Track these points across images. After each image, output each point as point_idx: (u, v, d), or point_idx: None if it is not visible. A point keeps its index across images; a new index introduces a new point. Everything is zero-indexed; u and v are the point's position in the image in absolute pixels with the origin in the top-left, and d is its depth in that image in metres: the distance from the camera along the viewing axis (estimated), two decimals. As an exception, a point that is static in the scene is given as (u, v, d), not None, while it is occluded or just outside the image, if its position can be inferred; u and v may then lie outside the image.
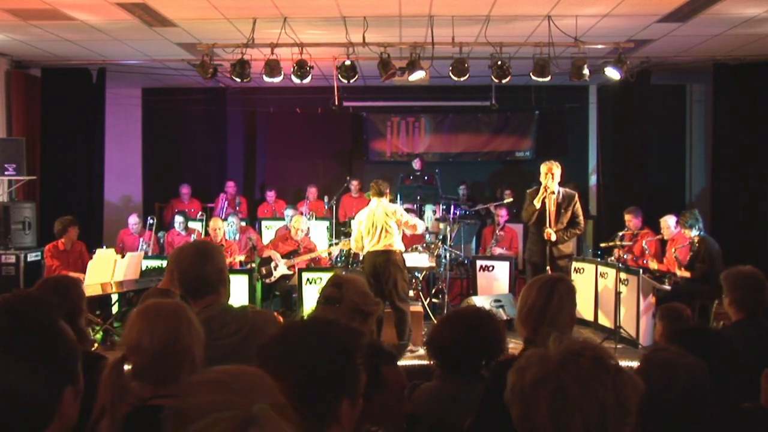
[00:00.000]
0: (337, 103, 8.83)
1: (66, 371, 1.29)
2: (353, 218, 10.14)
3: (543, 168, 7.15)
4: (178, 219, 9.54)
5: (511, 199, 9.96)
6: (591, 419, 1.34)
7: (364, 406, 1.69)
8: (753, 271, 3.75)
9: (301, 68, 7.65)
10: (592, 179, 12.08)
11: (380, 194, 7.03)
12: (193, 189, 11.41)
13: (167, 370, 2.03)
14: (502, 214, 9.68)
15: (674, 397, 2.10)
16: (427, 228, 8.56)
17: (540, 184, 7.17)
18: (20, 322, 1.29)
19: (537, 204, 7.08)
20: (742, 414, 2.48)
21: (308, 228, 8.92)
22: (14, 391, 1.21)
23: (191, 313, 2.17)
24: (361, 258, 8.69)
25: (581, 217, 7.26)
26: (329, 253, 8.87)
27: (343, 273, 2.96)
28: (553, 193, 7.11)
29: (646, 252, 8.09)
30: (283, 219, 9.66)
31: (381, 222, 6.90)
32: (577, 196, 7.28)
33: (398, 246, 6.99)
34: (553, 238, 7.03)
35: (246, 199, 11.66)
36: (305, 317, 1.91)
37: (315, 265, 8.46)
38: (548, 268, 7.01)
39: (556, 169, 7.10)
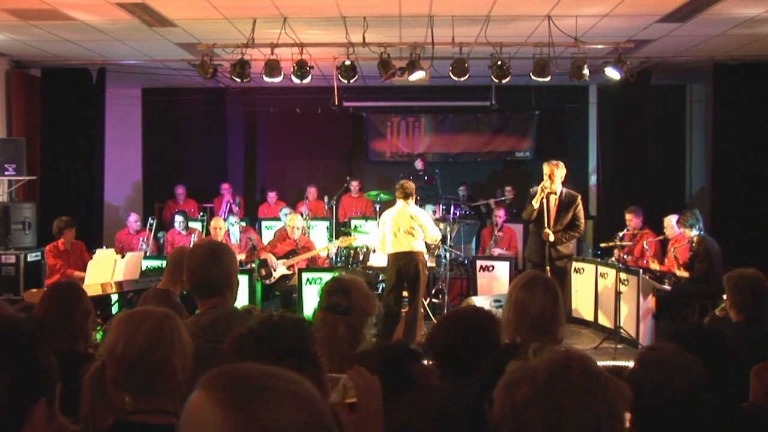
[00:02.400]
0: (337, 103, 8.82)
1: (37, 384, 1.25)
2: (353, 218, 10.23)
3: (545, 168, 7.14)
4: (179, 218, 9.54)
5: (512, 196, 9.95)
6: None
7: (395, 405, 1.67)
8: (755, 274, 3.75)
9: (301, 68, 7.65)
10: (592, 179, 12.08)
11: (406, 196, 7.10)
12: (192, 189, 11.41)
13: (143, 380, 1.96)
14: (500, 215, 9.67)
15: (669, 396, 2.10)
16: (442, 237, 8.49)
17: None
18: None
19: (535, 204, 7.07)
20: (741, 414, 2.48)
21: (304, 226, 8.90)
22: None
23: (180, 324, 2.10)
24: (360, 258, 8.75)
25: (581, 221, 7.22)
26: (327, 251, 8.87)
27: (344, 276, 2.93)
28: (554, 193, 7.09)
29: (647, 252, 8.08)
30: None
31: (406, 223, 6.95)
32: (579, 198, 7.24)
33: (421, 248, 7.06)
34: (551, 238, 7.02)
35: (243, 199, 11.67)
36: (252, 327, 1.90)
37: (314, 265, 8.45)
38: (548, 268, 7.01)
39: (557, 170, 7.05)
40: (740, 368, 2.64)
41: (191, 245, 7.74)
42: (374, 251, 8.15)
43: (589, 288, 8.10)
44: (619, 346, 7.06)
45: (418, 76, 7.84)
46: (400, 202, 7.12)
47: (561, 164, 7.13)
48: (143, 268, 8.03)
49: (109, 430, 1.89)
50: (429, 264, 8.32)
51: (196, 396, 1.04)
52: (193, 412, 1.04)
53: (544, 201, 7.04)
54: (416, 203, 7.54)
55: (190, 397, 1.05)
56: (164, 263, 5.48)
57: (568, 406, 1.32)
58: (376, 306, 2.77)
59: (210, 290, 2.77)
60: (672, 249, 7.86)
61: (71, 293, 3.26)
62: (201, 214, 10.52)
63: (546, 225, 7.02)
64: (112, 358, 1.97)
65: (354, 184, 11.22)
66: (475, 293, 8.41)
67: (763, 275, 3.79)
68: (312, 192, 11.21)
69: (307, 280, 7.71)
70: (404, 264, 6.96)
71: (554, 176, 7.02)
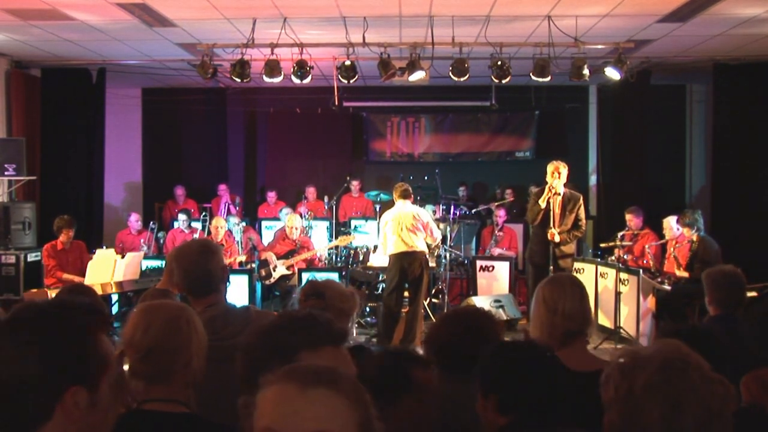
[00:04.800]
0: (337, 103, 8.82)
1: (72, 370, 1.26)
2: (353, 218, 10.23)
3: (549, 167, 7.12)
4: (182, 217, 9.52)
5: (512, 199, 9.95)
6: (700, 429, 1.35)
7: (394, 409, 1.70)
8: (734, 271, 3.81)
9: (301, 68, 7.65)
10: (592, 179, 12.08)
11: (407, 196, 7.12)
12: (192, 189, 11.41)
13: (158, 367, 2.00)
14: (500, 215, 9.67)
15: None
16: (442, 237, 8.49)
17: (545, 183, 7.15)
18: (34, 315, 1.28)
19: (542, 203, 7.06)
20: (737, 413, 2.47)
21: (304, 226, 8.90)
22: (8, 380, 1.21)
23: (196, 318, 2.14)
24: (360, 258, 8.75)
25: (584, 221, 7.23)
26: (328, 250, 8.87)
27: (316, 280, 2.95)
28: (558, 194, 7.08)
29: (648, 253, 8.06)
30: (285, 220, 9.65)
31: (409, 223, 6.96)
32: (581, 198, 7.26)
33: (423, 247, 7.10)
34: (557, 239, 7.01)
35: (243, 199, 11.67)
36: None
37: (312, 266, 8.45)
38: (551, 268, 7.00)
39: (563, 169, 7.06)
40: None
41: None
42: (374, 251, 8.15)
43: (589, 288, 7.99)
44: (619, 346, 7.06)
45: (418, 76, 7.84)
46: (399, 202, 7.14)
47: (564, 164, 7.15)
48: (143, 268, 8.04)
49: (122, 419, 1.91)
50: (429, 264, 8.33)
51: (320, 392, 1.18)
52: (323, 409, 1.17)
53: (552, 201, 7.04)
54: (416, 203, 7.57)
55: (307, 395, 1.17)
56: (164, 263, 5.49)
57: (687, 399, 1.35)
58: (356, 304, 2.78)
59: (208, 286, 2.79)
60: (672, 249, 7.86)
61: (85, 295, 3.39)
62: (203, 214, 10.51)
63: (551, 225, 7.02)
64: (130, 347, 2.02)
65: (354, 184, 11.22)
66: (475, 293, 8.42)
67: (740, 272, 3.84)
68: (311, 192, 11.21)
69: (307, 280, 7.70)
70: (408, 264, 6.98)
71: (561, 174, 7.01)
